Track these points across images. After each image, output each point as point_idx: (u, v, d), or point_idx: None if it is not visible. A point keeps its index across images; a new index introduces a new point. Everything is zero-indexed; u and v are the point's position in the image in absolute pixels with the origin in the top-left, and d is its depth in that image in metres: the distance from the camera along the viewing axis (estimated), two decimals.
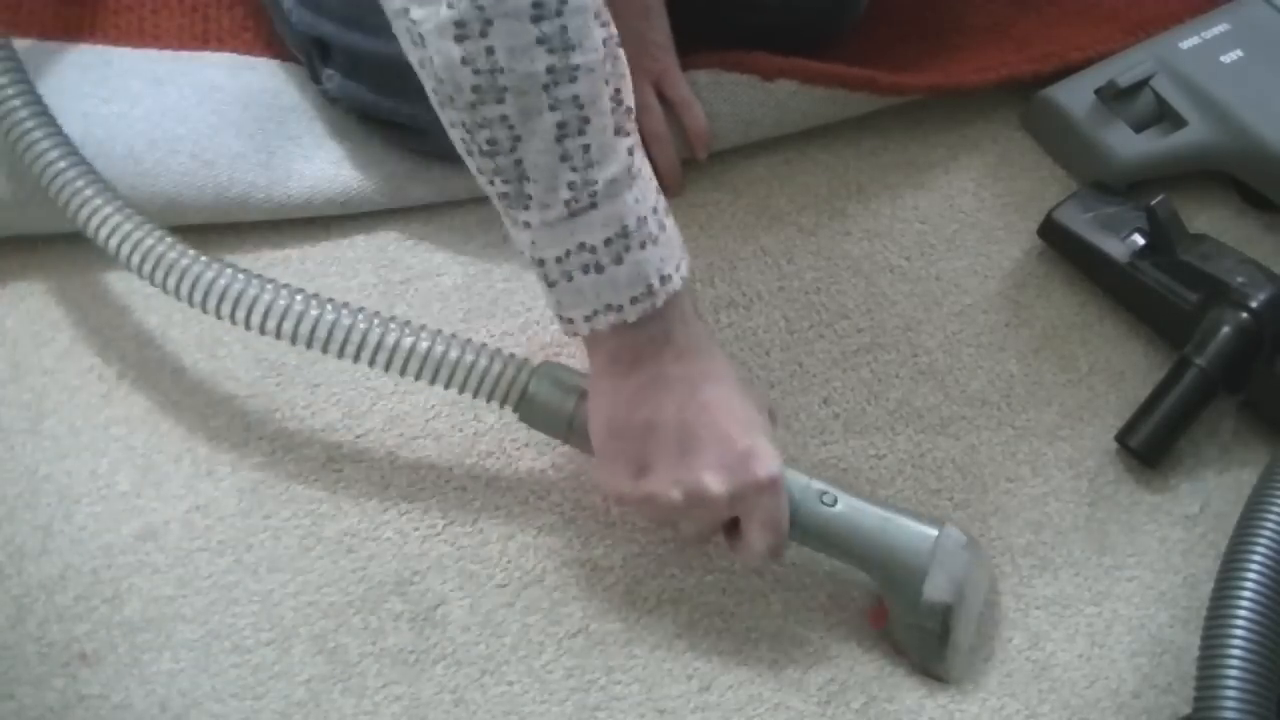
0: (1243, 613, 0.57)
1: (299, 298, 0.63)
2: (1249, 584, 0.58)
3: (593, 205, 0.52)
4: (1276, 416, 0.74)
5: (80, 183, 0.67)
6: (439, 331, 0.63)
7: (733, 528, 0.60)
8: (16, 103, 0.69)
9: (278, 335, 0.63)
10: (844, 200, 0.85)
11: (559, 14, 0.48)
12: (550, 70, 0.49)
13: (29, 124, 0.68)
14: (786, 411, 0.74)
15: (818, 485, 0.62)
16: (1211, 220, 0.85)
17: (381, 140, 0.79)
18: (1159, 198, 0.75)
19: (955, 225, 0.84)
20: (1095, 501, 0.72)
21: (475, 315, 0.77)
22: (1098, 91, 0.85)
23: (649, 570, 0.68)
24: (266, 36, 0.84)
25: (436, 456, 0.71)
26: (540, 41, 0.48)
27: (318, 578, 0.66)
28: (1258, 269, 0.75)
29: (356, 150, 0.80)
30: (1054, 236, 0.81)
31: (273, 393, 0.72)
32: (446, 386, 0.63)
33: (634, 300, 0.54)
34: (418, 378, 0.63)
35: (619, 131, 0.52)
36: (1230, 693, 0.55)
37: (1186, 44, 0.86)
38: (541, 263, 0.54)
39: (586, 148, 0.51)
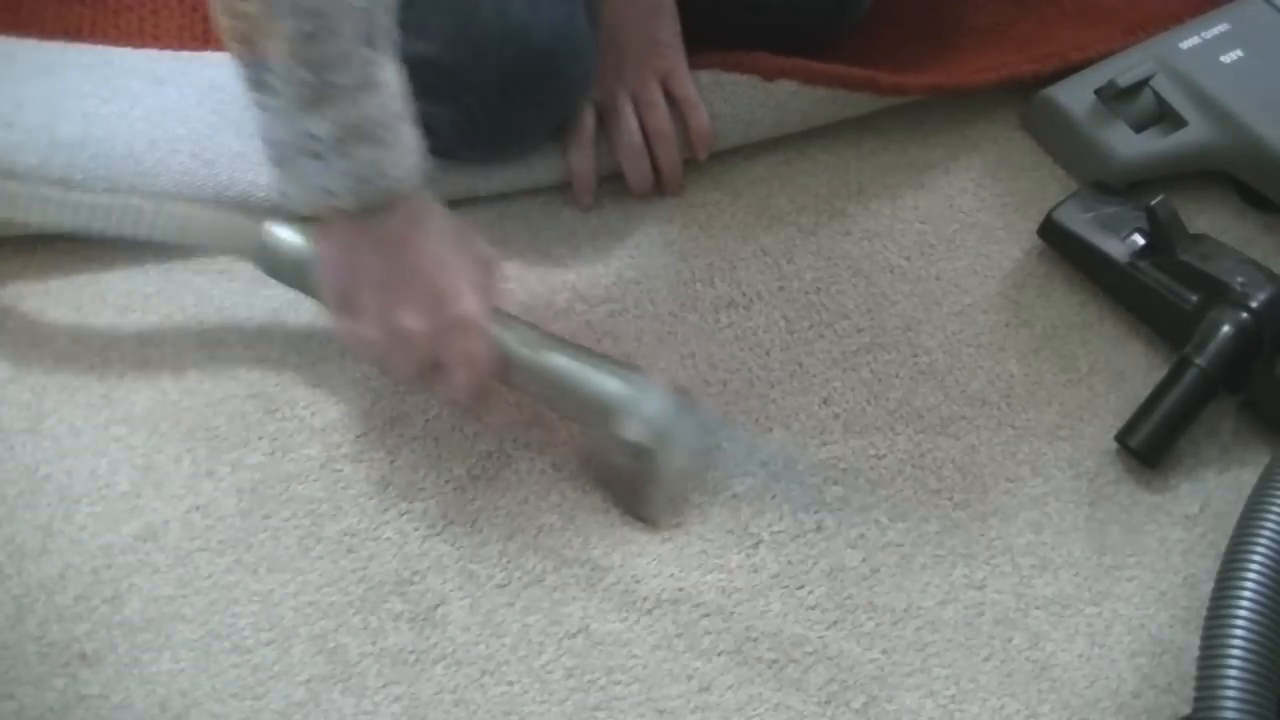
0: (1243, 613, 0.57)
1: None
2: (1249, 584, 0.58)
3: (324, 101, 0.55)
4: (1276, 416, 0.74)
5: None
6: (175, 196, 0.68)
7: (440, 368, 0.63)
8: None
9: None
10: (844, 200, 0.85)
11: None
12: None
13: None
14: (786, 411, 0.74)
15: (525, 332, 0.65)
16: (1211, 220, 0.85)
17: None
18: (1159, 198, 0.75)
19: (955, 225, 0.84)
20: (1095, 501, 0.72)
21: None
22: (1098, 91, 0.85)
23: (649, 570, 0.68)
24: None
25: (436, 456, 0.71)
26: None
27: (318, 578, 0.66)
28: (1258, 269, 0.75)
29: None
30: (1054, 236, 0.81)
31: (273, 393, 0.72)
32: (182, 242, 0.68)
33: (350, 191, 0.58)
34: (151, 236, 0.67)
35: (367, 43, 0.55)
36: (1230, 693, 0.55)
37: (1186, 44, 0.86)
38: (272, 143, 0.58)
39: (325, 54, 0.54)
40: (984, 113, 0.90)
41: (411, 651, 0.64)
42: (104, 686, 0.62)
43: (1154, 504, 0.72)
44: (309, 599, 0.66)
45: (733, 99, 0.82)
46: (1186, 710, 0.60)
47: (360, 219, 0.59)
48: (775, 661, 0.65)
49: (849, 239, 0.83)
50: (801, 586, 0.68)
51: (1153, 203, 0.75)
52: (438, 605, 0.66)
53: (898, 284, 0.81)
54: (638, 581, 0.67)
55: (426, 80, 0.73)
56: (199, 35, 0.84)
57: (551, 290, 0.78)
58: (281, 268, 0.69)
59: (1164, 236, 0.76)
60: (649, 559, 0.68)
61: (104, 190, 0.69)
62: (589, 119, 0.80)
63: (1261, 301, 0.72)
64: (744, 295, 0.79)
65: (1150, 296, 0.77)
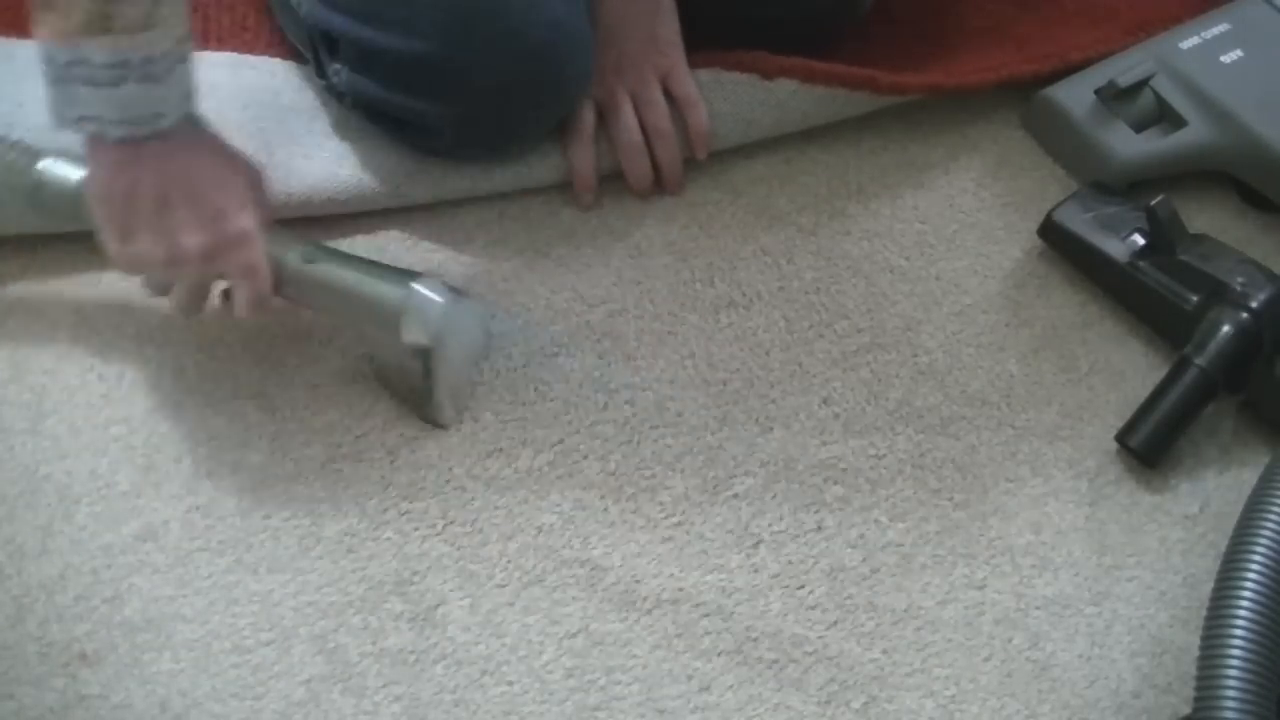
0: (1243, 613, 0.57)
1: None
2: (1249, 584, 0.58)
3: (105, 31, 0.57)
4: (1276, 416, 0.74)
5: None
6: None
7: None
8: None
9: None
10: (844, 200, 0.85)
11: None
12: None
13: None
14: (786, 411, 0.74)
15: (301, 246, 0.67)
16: (1211, 220, 0.85)
17: (385, 137, 0.79)
18: (1159, 198, 0.75)
19: (955, 225, 0.84)
20: (1095, 501, 0.72)
21: None
22: (1098, 91, 0.85)
23: (649, 570, 0.68)
24: (267, 35, 0.84)
25: (436, 456, 0.71)
26: None
27: (318, 578, 0.66)
28: (1258, 269, 0.75)
29: (357, 150, 0.80)
30: (1054, 236, 0.81)
31: (273, 393, 0.72)
32: None
33: (120, 121, 0.60)
34: None
35: None
36: (1230, 693, 0.55)
37: (1186, 44, 0.86)
38: (49, 61, 0.59)
39: None
40: (984, 113, 0.90)
41: (411, 651, 0.64)
42: (104, 686, 0.62)
43: (1154, 504, 0.72)
44: (309, 599, 0.66)
45: (732, 98, 0.82)
46: (1186, 710, 0.60)
47: (130, 144, 0.61)
48: (775, 661, 0.65)
49: (849, 239, 0.83)
50: (801, 586, 0.68)
51: (1153, 203, 0.75)
52: (438, 605, 0.66)
53: (898, 284, 0.81)
54: (638, 581, 0.67)
55: (424, 78, 0.73)
56: (199, 35, 0.83)
57: (551, 290, 0.78)
58: (57, 202, 0.68)
59: (1164, 236, 0.76)
60: (649, 559, 0.68)
61: None
62: (589, 116, 0.80)
63: (1261, 301, 0.72)
64: (744, 295, 0.79)
65: (1150, 296, 0.77)
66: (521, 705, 0.63)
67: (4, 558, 0.66)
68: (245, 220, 0.64)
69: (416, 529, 0.68)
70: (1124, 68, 0.85)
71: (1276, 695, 0.56)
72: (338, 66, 0.77)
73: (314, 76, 0.81)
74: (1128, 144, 0.84)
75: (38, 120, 0.74)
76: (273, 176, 0.77)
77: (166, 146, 0.62)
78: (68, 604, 0.64)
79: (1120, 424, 0.74)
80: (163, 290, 0.69)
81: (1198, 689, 0.56)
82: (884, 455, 0.73)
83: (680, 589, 0.67)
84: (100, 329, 0.74)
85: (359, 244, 0.79)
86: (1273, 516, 0.60)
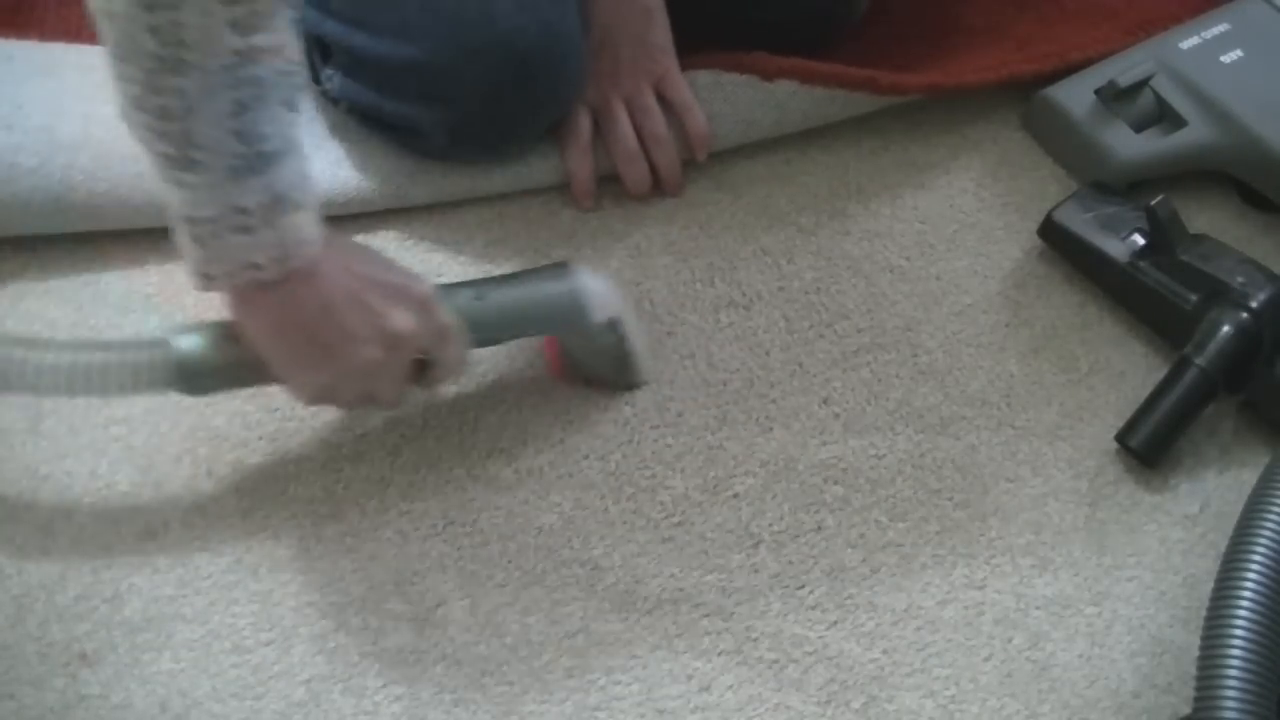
0: (1243, 613, 0.57)
1: None
2: (1249, 584, 0.58)
3: (252, 172, 0.53)
4: (1276, 416, 0.74)
5: None
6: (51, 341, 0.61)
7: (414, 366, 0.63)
8: None
9: None
10: (844, 200, 0.85)
11: None
12: (237, 53, 0.50)
13: None
14: (786, 411, 0.74)
15: (464, 290, 0.66)
16: (1211, 220, 0.85)
17: (381, 141, 0.79)
18: (1159, 198, 0.75)
19: (955, 225, 0.84)
20: (1095, 501, 0.72)
21: None
22: (1098, 91, 0.85)
23: (649, 570, 0.68)
24: None
25: (436, 456, 0.71)
26: (232, 25, 0.49)
27: (318, 578, 0.66)
28: (1258, 269, 0.75)
29: (356, 150, 0.80)
30: (1054, 236, 0.81)
31: (273, 393, 0.72)
32: (91, 394, 0.62)
33: (276, 260, 0.55)
34: (64, 393, 0.61)
35: (288, 105, 0.54)
36: (1230, 693, 0.55)
37: (1186, 44, 0.86)
38: (194, 221, 0.54)
39: (256, 123, 0.52)
40: (984, 113, 0.90)
41: (411, 651, 0.64)
42: (104, 686, 0.62)
43: (1154, 504, 0.72)
44: (309, 599, 0.66)
45: (732, 99, 0.82)
46: (1186, 710, 0.60)
47: (280, 283, 0.57)
48: (775, 661, 0.65)
49: (849, 239, 0.83)
50: (802, 586, 0.68)
51: (1153, 203, 0.75)
52: (438, 605, 0.66)
53: (898, 284, 0.81)
54: (638, 581, 0.67)
55: (416, 83, 0.73)
56: None
57: None
58: (214, 377, 0.63)
59: (1164, 236, 0.76)
60: (649, 559, 0.68)
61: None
62: (585, 122, 0.80)
63: (1261, 301, 0.72)
64: (744, 295, 0.79)
65: (1150, 296, 0.77)
66: (521, 705, 0.63)
67: (4, 558, 0.66)
68: (424, 288, 0.62)
69: (416, 529, 0.68)
70: (1124, 68, 0.85)
71: (1276, 695, 0.56)
72: (330, 72, 0.77)
73: (310, 79, 0.81)
74: (1128, 144, 0.84)
75: (38, 121, 0.75)
76: None
77: (322, 258, 0.58)
78: (68, 604, 0.64)
79: (1120, 424, 0.74)
80: (370, 395, 0.64)
81: (1198, 689, 0.56)
82: (884, 455, 0.73)
83: (680, 589, 0.67)
84: (100, 329, 0.74)
85: None
86: (1273, 516, 0.60)
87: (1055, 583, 0.69)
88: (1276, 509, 0.60)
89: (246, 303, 0.58)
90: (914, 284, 0.81)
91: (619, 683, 0.64)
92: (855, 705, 0.64)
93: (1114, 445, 0.74)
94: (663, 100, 0.81)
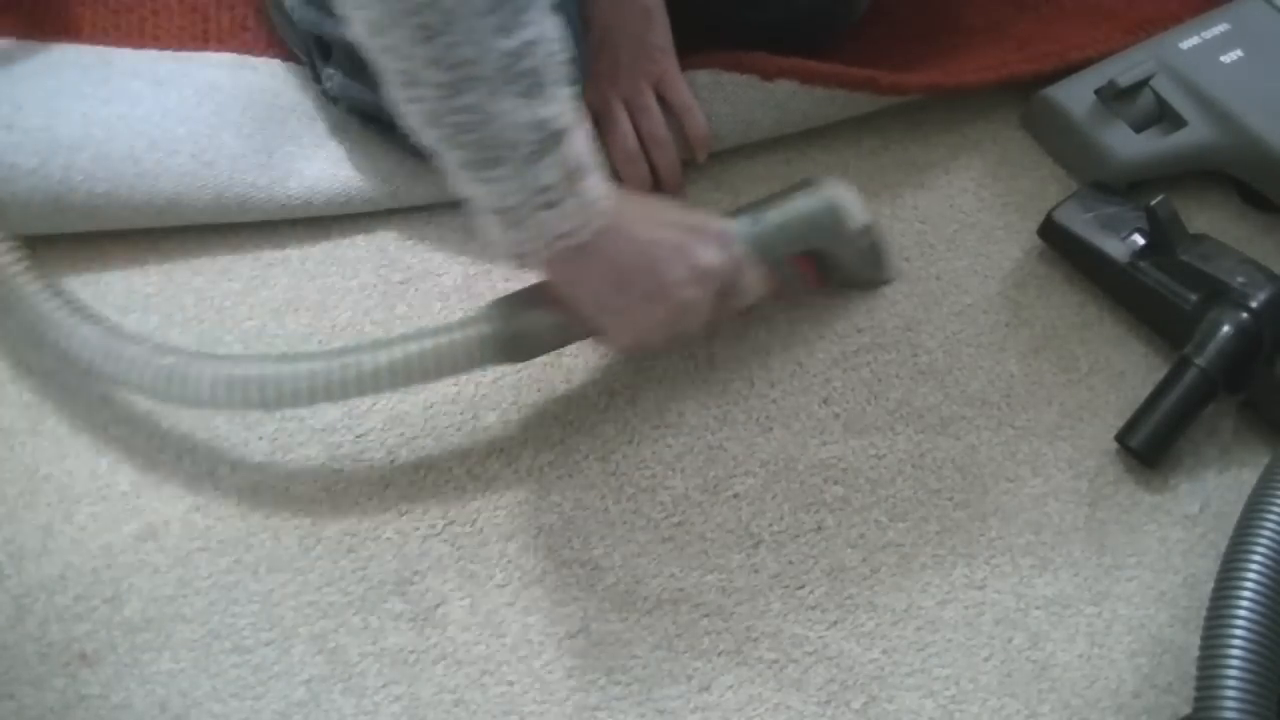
0: (1243, 613, 0.57)
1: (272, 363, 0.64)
2: (1249, 584, 0.58)
3: (550, 151, 0.56)
4: (1276, 416, 0.74)
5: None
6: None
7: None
8: None
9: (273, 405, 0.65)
10: None
11: None
12: (509, 54, 0.52)
13: None
14: (786, 411, 0.74)
15: (743, 219, 0.70)
16: (1211, 220, 0.85)
17: (381, 140, 0.79)
18: (1159, 198, 0.75)
19: (955, 225, 0.84)
20: (1095, 501, 0.72)
21: None
22: (1098, 91, 0.85)
23: (649, 570, 0.68)
24: (266, 36, 0.84)
25: (436, 456, 0.71)
26: (499, 31, 0.51)
27: (318, 578, 0.66)
28: (1258, 269, 0.75)
29: (356, 150, 0.80)
30: (1054, 236, 0.81)
31: None
32: (435, 379, 0.67)
33: (583, 224, 0.59)
34: (407, 385, 0.66)
35: (563, 81, 0.56)
36: (1230, 693, 0.55)
37: (1186, 44, 0.86)
38: (505, 210, 0.58)
39: (544, 106, 0.55)
40: (984, 113, 0.90)
41: (411, 651, 0.64)
42: (104, 686, 0.62)
43: (1154, 504, 0.72)
44: (309, 599, 0.66)
45: (732, 99, 0.82)
46: (1186, 710, 0.60)
47: (590, 243, 0.60)
48: (775, 661, 0.65)
49: None
50: (802, 586, 0.68)
51: (1153, 203, 0.75)
52: (438, 605, 0.66)
53: (898, 284, 0.81)
54: (638, 581, 0.67)
55: None
56: (199, 35, 0.84)
57: None
58: (539, 342, 0.68)
59: (1164, 236, 0.76)
60: (649, 559, 0.68)
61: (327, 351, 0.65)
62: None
63: (1261, 301, 0.72)
64: None
65: (1150, 296, 0.77)
66: (521, 705, 0.63)
67: (4, 558, 0.66)
68: (717, 223, 0.66)
69: (416, 529, 0.68)
70: (1124, 68, 0.85)
71: (1277, 695, 0.56)
72: (331, 71, 0.77)
73: (311, 79, 0.81)
74: (1128, 144, 0.84)
75: (38, 121, 0.75)
76: (272, 177, 0.78)
77: (618, 209, 0.61)
78: (68, 604, 0.64)
79: (1120, 424, 0.74)
80: (676, 328, 0.66)
81: (1198, 689, 0.56)
82: (884, 455, 0.73)
83: (680, 589, 0.67)
84: None
85: (359, 244, 0.79)
86: (1273, 516, 0.60)
87: (1055, 583, 0.69)
88: (1276, 509, 0.60)
89: (565, 268, 0.62)
90: (914, 284, 0.81)
91: (619, 683, 0.64)
92: (855, 705, 0.64)
93: (1114, 445, 0.74)
94: (662, 101, 0.81)
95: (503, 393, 0.73)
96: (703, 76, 0.82)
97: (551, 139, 0.56)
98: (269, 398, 0.64)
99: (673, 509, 0.70)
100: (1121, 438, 0.73)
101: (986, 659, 0.66)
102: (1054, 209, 0.81)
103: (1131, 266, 0.77)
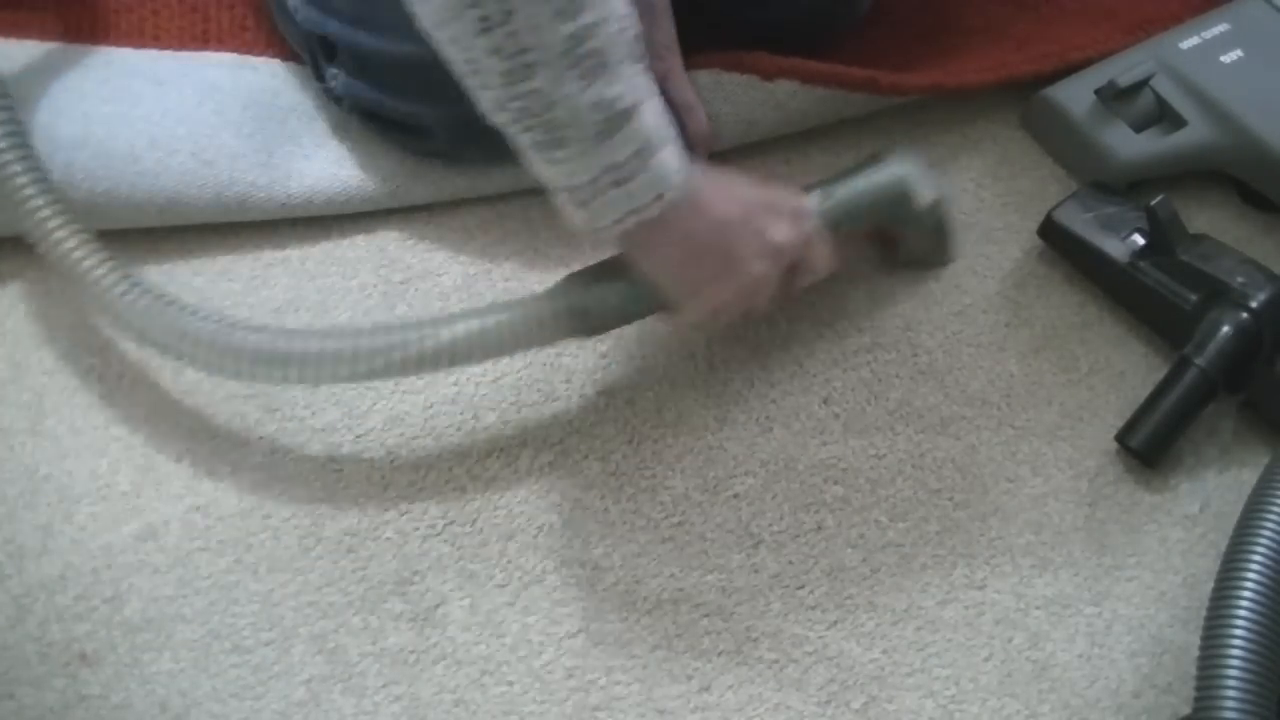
0: (1243, 613, 0.57)
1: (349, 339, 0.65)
2: (1249, 584, 0.58)
3: (617, 130, 0.56)
4: (1276, 416, 0.74)
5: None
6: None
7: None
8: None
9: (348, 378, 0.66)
10: None
11: None
12: (571, 37, 0.52)
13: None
14: (786, 411, 0.74)
15: (815, 194, 0.70)
16: (1211, 220, 0.85)
17: (383, 140, 0.79)
18: (1159, 198, 0.75)
19: (955, 225, 0.84)
20: (1095, 501, 0.72)
21: None
22: (1098, 91, 0.85)
23: (649, 570, 0.68)
24: (267, 36, 0.84)
25: (436, 456, 0.71)
26: (558, 15, 0.52)
27: (318, 578, 0.66)
28: (1258, 269, 0.75)
29: (357, 150, 0.80)
30: (1054, 236, 0.81)
31: (273, 393, 0.72)
32: (509, 354, 0.68)
33: (657, 198, 0.59)
34: (481, 361, 0.68)
35: (630, 59, 0.56)
36: (1230, 693, 0.55)
37: (1186, 44, 0.86)
38: (574, 189, 0.58)
39: (609, 86, 0.55)
40: (984, 113, 0.90)
41: (411, 651, 0.64)
42: (104, 686, 0.62)
43: (1154, 504, 0.72)
44: (309, 599, 0.66)
45: (733, 99, 0.82)
46: (1186, 710, 0.60)
47: (663, 218, 0.60)
48: (775, 661, 0.65)
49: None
50: (802, 586, 0.68)
51: (1153, 203, 0.75)
52: (438, 605, 0.66)
53: (897, 284, 0.81)
54: (638, 581, 0.67)
55: (420, 81, 0.73)
56: (199, 35, 0.84)
57: None
58: (612, 315, 0.69)
59: (1164, 236, 0.76)
60: (649, 559, 0.68)
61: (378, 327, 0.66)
62: None
63: (1261, 301, 0.72)
64: None
65: (1150, 296, 0.77)
66: (521, 705, 0.63)
67: (4, 558, 0.66)
68: (793, 195, 0.68)
69: (416, 529, 0.68)
70: (1124, 68, 0.84)
71: (1277, 695, 0.56)
72: (334, 70, 0.77)
73: (313, 77, 0.81)
74: (1128, 144, 0.83)
75: (37, 120, 0.75)
76: (272, 177, 0.78)
77: (697, 185, 0.61)
78: (68, 604, 0.64)
79: (1120, 424, 0.74)
80: (748, 301, 0.67)
81: (1198, 689, 0.56)
82: (884, 455, 0.73)
83: (680, 589, 0.67)
84: (100, 329, 0.74)
85: (359, 244, 0.79)
86: (1273, 516, 0.60)
87: (1055, 583, 0.69)
88: (1276, 509, 0.60)
89: (640, 242, 0.62)
90: (914, 284, 0.81)
91: (619, 683, 0.64)
92: (855, 705, 0.64)
93: (1114, 445, 0.74)
94: (665, 100, 0.80)
95: (503, 393, 0.74)
96: (703, 77, 0.82)
97: (620, 117, 0.56)
98: (349, 371, 0.65)
99: (673, 509, 0.70)
100: (1121, 438, 0.73)
101: (986, 659, 0.66)
102: (1054, 209, 0.81)
103: (1131, 266, 0.77)
